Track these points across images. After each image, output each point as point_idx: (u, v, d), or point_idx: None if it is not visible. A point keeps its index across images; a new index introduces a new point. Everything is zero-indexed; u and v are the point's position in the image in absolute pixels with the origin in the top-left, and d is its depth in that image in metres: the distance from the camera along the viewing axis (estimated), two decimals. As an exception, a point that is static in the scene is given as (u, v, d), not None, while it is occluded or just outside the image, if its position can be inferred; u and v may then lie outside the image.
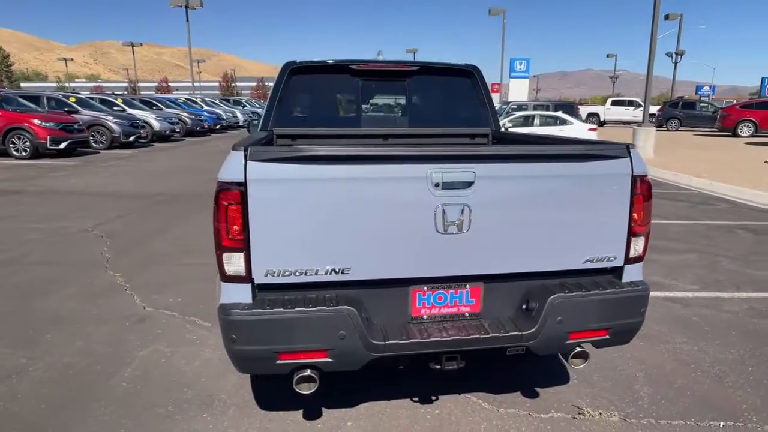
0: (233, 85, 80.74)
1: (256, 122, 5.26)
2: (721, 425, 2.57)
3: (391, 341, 2.06)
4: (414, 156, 2.07)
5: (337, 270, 2.04)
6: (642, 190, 2.22)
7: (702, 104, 29.53)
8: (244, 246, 1.96)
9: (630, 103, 32.13)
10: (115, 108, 18.15)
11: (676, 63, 36.20)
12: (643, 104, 30.13)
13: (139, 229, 6.40)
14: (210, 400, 2.72)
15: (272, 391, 2.80)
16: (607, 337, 2.27)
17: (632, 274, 2.33)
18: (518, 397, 2.79)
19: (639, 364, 3.15)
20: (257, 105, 40.72)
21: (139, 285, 4.44)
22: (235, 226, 1.95)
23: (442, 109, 3.95)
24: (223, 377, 2.94)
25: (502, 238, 2.15)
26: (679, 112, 27.13)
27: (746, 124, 21.39)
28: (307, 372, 2.04)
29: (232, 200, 1.93)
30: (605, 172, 2.19)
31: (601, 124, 29.61)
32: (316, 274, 2.03)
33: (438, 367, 2.23)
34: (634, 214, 2.23)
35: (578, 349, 2.25)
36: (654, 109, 28.42)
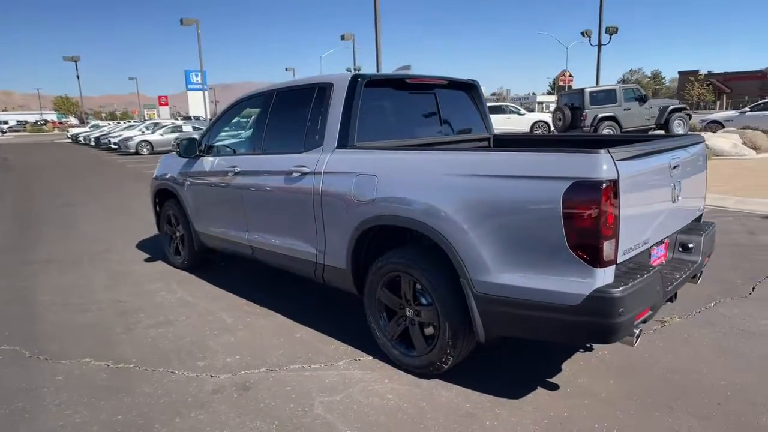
0: None
1: (184, 141, 4.74)
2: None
3: (669, 287, 2.76)
4: (670, 148, 2.88)
5: (641, 243, 2.63)
6: None
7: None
8: (613, 234, 2.32)
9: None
10: None
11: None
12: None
13: None
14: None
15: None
16: (707, 260, 3.36)
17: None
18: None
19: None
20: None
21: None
22: (610, 218, 2.29)
23: (459, 118, 4.50)
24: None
25: (682, 201, 3.04)
26: None
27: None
28: (641, 327, 2.49)
29: (609, 194, 2.27)
30: (701, 150, 3.42)
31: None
32: (638, 247, 2.59)
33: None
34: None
35: (703, 270, 3.28)
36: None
